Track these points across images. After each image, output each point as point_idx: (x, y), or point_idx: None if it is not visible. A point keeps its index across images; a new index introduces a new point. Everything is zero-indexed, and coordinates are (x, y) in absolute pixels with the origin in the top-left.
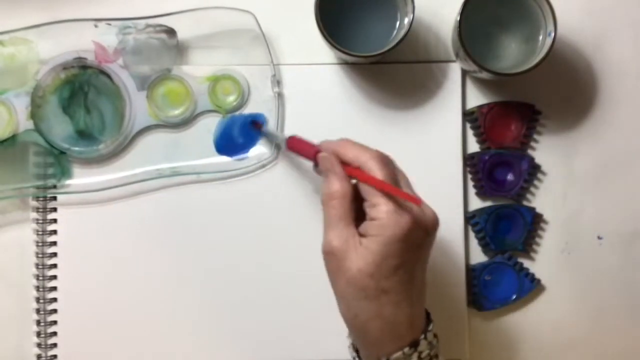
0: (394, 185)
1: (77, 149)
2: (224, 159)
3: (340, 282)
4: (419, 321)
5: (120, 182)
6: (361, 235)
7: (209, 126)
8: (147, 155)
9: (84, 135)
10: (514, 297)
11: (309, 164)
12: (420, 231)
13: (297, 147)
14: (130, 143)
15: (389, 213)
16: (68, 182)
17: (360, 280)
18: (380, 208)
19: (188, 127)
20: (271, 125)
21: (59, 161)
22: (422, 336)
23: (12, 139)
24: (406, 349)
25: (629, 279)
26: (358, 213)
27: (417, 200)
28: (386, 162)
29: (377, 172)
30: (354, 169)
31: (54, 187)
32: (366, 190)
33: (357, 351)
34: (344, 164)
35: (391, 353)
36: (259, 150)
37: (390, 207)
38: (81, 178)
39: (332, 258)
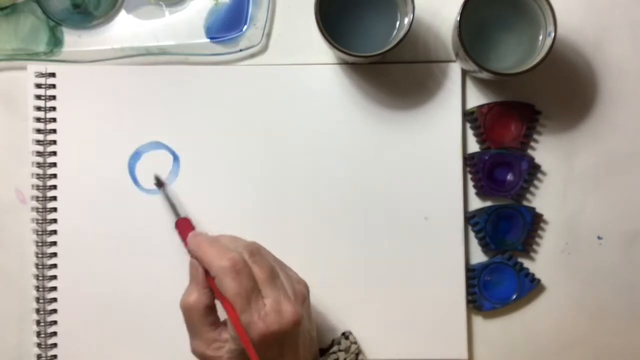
0: (249, 295)
1: (72, 21)
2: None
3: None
4: None
5: (109, 55)
6: (225, 330)
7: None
8: (136, 31)
9: (79, 9)
10: (514, 297)
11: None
12: (277, 335)
13: (180, 231)
14: (121, 18)
15: (238, 329)
16: (60, 51)
17: None
18: (231, 322)
19: (180, 7)
20: None
21: (53, 32)
22: None
23: (12, 8)
24: None
25: (629, 279)
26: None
27: (248, 343)
28: (239, 270)
29: (228, 284)
30: (211, 280)
31: (46, 54)
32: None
33: None
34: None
35: None
36: (249, 39)
37: (243, 321)
38: (72, 47)
39: (202, 359)
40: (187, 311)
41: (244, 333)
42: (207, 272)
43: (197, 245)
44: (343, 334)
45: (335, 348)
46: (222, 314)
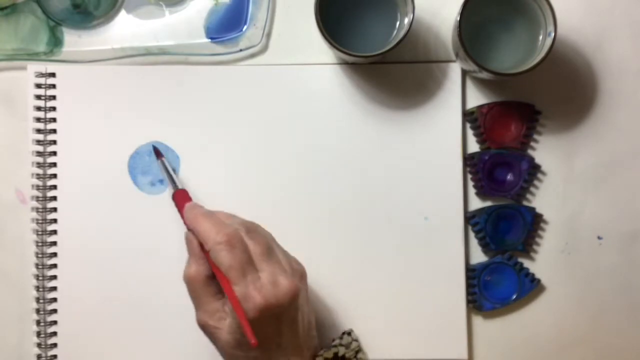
0: (243, 268)
1: (72, 21)
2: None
3: (217, 346)
4: None
5: (109, 55)
6: (226, 304)
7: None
8: (136, 31)
9: (79, 9)
10: (514, 297)
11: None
12: (274, 309)
13: (177, 203)
14: (121, 18)
15: (238, 300)
16: (60, 51)
17: (230, 351)
18: (229, 295)
19: (180, 7)
20: None
21: (53, 32)
22: None
23: (12, 8)
24: None
25: (629, 279)
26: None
27: (242, 316)
28: (234, 244)
29: (222, 258)
30: (207, 254)
31: (46, 54)
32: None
33: None
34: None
35: None
36: (249, 39)
37: (238, 293)
38: (72, 47)
39: (206, 332)
40: (189, 283)
41: (238, 306)
42: (202, 246)
43: (194, 218)
44: (345, 332)
45: (336, 341)
46: None
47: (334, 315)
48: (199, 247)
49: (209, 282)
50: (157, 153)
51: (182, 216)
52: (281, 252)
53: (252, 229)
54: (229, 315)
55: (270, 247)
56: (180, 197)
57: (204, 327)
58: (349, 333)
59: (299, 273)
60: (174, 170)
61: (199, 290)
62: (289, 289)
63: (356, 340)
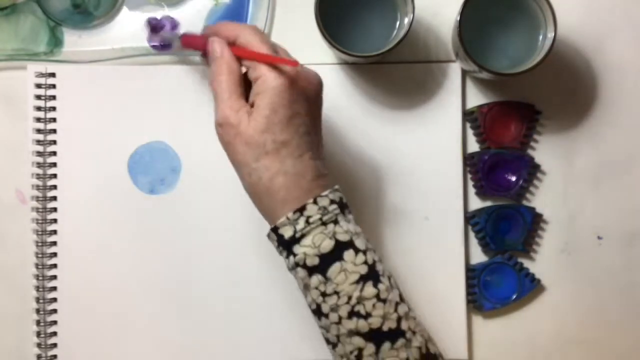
0: (274, 53)
1: (72, 21)
2: None
3: (238, 147)
4: (324, 180)
5: (109, 55)
6: (252, 105)
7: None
8: (136, 31)
9: (79, 9)
10: (514, 297)
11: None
12: (304, 82)
13: (189, 42)
14: (122, 18)
15: (270, 70)
16: (60, 51)
17: (257, 138)
18: (261, 69)
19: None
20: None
21: (53, 32)
22: (311, 200)
23: (12, 8)
24: (290, 214)
25: (629, 279)
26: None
27: (295, 63)
28: (262, 34)
29: (257, 44)
30: (238, 48)
31: (46, 54)
32: (250, 64)
33: (276, 235)
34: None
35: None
36: None
37: (271, 66)
38: (72, 47)
39: (227, 128)
40: (217, 76)
41: (289, 60)
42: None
43: (217, 28)
44: None
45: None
46: None
47: None
48: (226, 46)
49: (237, 77)
50: (152, 27)
51: (199, 42)
52: None
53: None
54: (256, 97)
55: (287, 51)
56: (190, 36)
57: (226, 122)
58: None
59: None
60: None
61: (228, 82)
62: (317, 75)
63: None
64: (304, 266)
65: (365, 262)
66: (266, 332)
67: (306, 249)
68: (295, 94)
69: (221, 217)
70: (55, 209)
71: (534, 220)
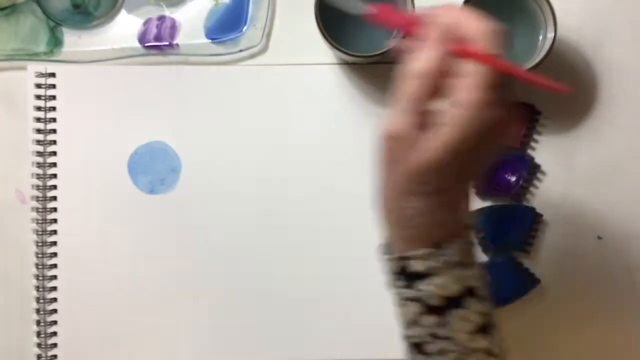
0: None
1: (71, 21)
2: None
3: (395, 171)
4: (464, 227)
5: (109, 55)
6: (435, 122)
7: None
8: (136, 31)
9: (79, 9)
10: (514, 297)
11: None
12: (503, 126)
13: (385, 17)
14: (121, 18)
15: (479, 104)
16: (60, 51)
17: (421, 176)
18: (470, 95)
19: (180, 7)
20: None
21: (53, 32)
22: (451, 239)
23: (12, 8)
24: (426, 249)
25: (629, 279)
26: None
27: (565, 89)
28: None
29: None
30: (481, 55)
31: (46, 54)
32: (468, 69)
33: (400, 262)
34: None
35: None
36: (249, 39)
37: (484, 96)
38: (72, 47)
39: (393, 144)
40: (411, 77)
41: (508, 67)
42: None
43: (439, 11)
44: None
45: None
46: None
47: (332, 315)
48: (444, 39)
49: (433, 82)
50: None
51: (405, 23)
52: None
53: None
54: (447, 124)
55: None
56: (384, 12)
57: (395, 137)
58: None
59: None
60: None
61: (420, 87)
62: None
63: None
64: (424, 303)
65: (485, 313)
66: (266, 330)
67: (434, 288)
68: (486, 141)
69: (221, 217)
70: (55, 209)
71: (534, 220)
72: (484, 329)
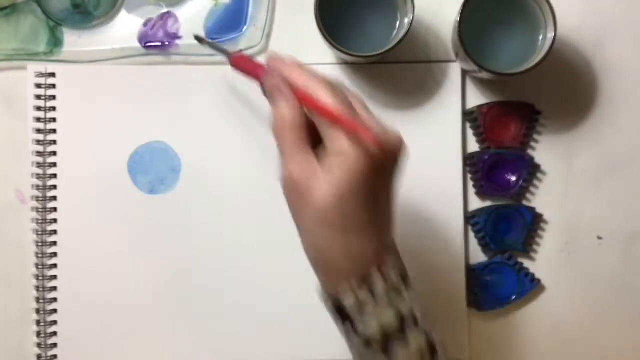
0: (350, 115)
1: (71, 21)
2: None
3: (304, 214)
4: (384, 253)
5: (109, 55)
6: (321, 161)
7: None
8: (136, 31)
9: (79, 9)
10: (514, 297)
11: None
12: (386, 160)
13: (241, 65)
14: (121, 18)
15: (351, 147)
16: (60, 51)
17: (326, 213)
18: (341, 142)
19: (180, 7)
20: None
21: (53, 32)
22: (376, 271)
23: (12, 8)
24: (353, 283)
25: (629, 279)
26: (312, 136)
27: (372, 137)
28: (334, 87)
29: (327, 96)
30: (307, 97)
31: (46, 54)
32: (320, 120)
33: (333, 300)
34: (293, 88)
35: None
36: (249, 39)
37: (352, 139)
38: (72, 47)
39: (294, 190)
40: (279, 128)
41: (360, 129)
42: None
43: (285, 68)
44: None
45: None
46: None
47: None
48: (290, 90)
49: (303, 130)
50: (199, 39)
51: (257, 69)
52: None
53: (343, 86)
54: (320, 172)
55: (364, 103)
56: (241, 57)
57: (294, 184)
58: None
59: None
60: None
61: (295, 136)
62: (399, 139)
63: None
64: (364, 338)
65: (426, 340)
66: (267, 331)
67: (370, 320)
68: (374, 174)
69: (221, 217)
70: (55, 209)
71: (534, 220)
72: (430, 354)
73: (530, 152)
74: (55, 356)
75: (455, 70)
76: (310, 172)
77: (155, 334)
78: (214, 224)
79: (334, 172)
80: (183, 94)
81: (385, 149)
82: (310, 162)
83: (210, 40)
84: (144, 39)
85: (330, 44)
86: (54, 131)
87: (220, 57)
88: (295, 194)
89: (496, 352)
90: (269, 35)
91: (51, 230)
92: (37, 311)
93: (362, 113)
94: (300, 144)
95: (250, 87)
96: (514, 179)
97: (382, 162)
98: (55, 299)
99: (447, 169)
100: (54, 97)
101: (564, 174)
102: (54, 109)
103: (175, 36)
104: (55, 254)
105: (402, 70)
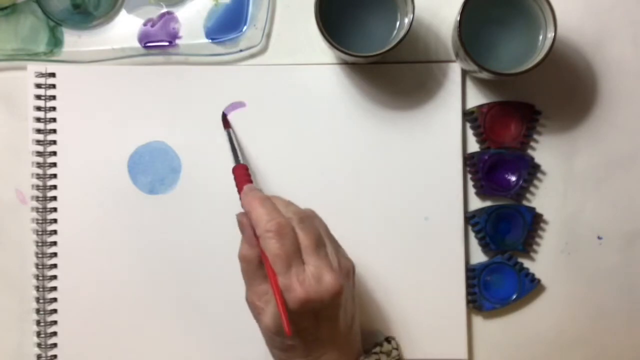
0: (290, 259)
1: (71, 22)
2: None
3: (260, 326)
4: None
5: (109, 55)
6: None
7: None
8: (136, 31)
9: (79, 9)
10: (514, 297)
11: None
12: (315, 304)
13: (235, 174)
14: (121, 18)
15: (280, 289)
16: (60, 51)
17: (270, 335)
18: (272, 283)
19: (180, 7)
20: None
21: (53, 32)
22: None
23: (12, 8)
24: None
25: (629, 279)
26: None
27: (282, 305)
28: (283, 233)
29: (270, 245)
30: (257, 240)
31: (46, 54)
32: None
33: None
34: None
35: None
36: (249, 39)
37: (281, 283)
38: (72, 47)
39: (251, 310)
40: (242, 262)
41: (279, 295)
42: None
43: (250, 202)
44: (386, 338)
45: (377, 349)
46: None
47: None
48: (252, 231)
49: (261, 264)
50: (225, 122)
51: (239, 193)
52: (332, 246)
53: (306, 219)
54: (270, 301)
55: (320, 240)
56: (240, 173)
57: (251, 306)
58: (389, 341)
59: (345, 269)
60: (238, 144)
61: (250, 271)
62: (332, 286)
63: (396, 348)
64: None
65: None
66: None
67: None
68: (303, 315)
69: (221, 217)
70: (55, 209)
71: (534, 220)
72: None
73: (530, 152)
74: (55, 356)
75: (455, 70)
76: (262, 299)
77: (155, 334)
78: (214, 224)
79: (271, 306)
80: (183, 94)
81: (310, 300)
82: (262, 291)
83: (231, 131)
84: (144, 39)
85: (330, 44)
86: (54, 131)
87: (220, 57)
88: (254, 314)
89: (496, 352)
90: (269, 35)
91: (51, 230)
92: (37, 311)
93: (308, 257)
94: (254, 276)
95: (251, 88)
96: (514, 179)
97: (309, 306)
98: (55, 299)
99: (447, 169)
100: (54, 97)
101: (564, 174)
102: (54, 109)
103: (175, 36)
104: (55, 254)
105: (402, 70)
